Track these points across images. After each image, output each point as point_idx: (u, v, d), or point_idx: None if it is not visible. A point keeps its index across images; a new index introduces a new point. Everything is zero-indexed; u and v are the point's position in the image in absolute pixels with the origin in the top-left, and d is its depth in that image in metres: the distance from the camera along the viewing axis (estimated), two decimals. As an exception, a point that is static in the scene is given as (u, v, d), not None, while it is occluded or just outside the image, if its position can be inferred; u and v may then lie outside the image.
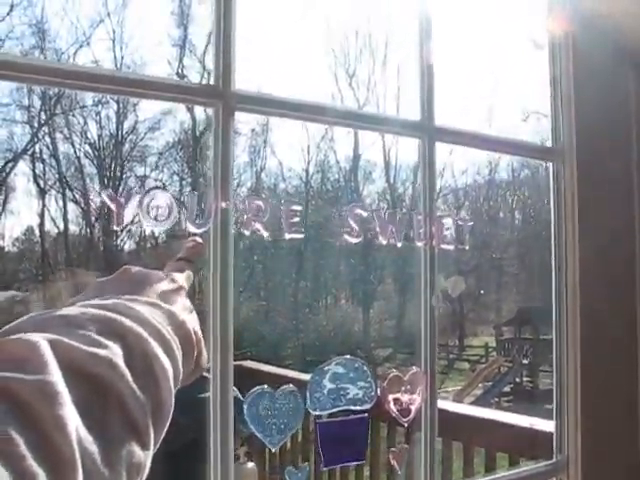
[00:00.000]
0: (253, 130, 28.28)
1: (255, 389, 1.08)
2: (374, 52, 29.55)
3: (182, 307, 0.76)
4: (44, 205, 24.64)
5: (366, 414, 1.19)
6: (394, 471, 1.28)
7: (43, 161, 24.55)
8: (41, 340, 0.52)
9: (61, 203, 24.74)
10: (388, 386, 1.23)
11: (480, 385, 19.69)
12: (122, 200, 0.92)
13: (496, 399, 19.01)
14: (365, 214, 1.16)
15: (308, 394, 1.13)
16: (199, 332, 0.75)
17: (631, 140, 1.61)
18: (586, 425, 1.52)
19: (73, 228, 25.46)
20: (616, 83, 1.61)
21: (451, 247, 1.30)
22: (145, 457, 0.55)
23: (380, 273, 28.06)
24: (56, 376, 0.49)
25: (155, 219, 0.96)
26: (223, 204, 1.03)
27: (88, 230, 25.42)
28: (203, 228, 1.00)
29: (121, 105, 25.55)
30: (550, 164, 1.56)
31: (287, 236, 1.07)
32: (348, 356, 1.18)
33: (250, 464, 3.93)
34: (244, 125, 27.60)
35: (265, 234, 1.05)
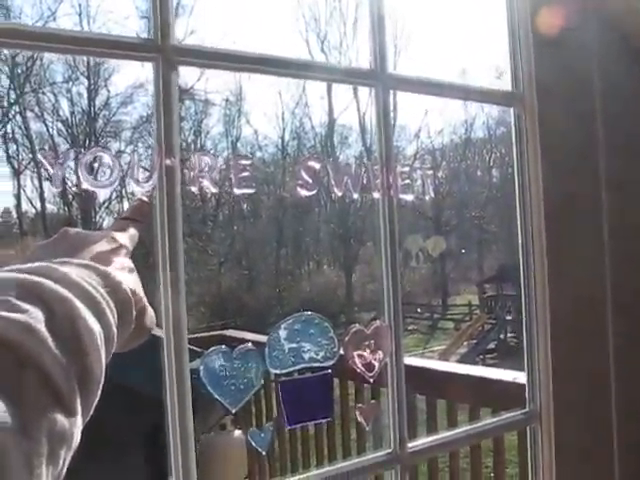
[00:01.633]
0: (227, 100, 28.14)
1: (211, 349, 1.06)
2: (344, 15, 29.41)
3: (120, 267, 0.73)
4: (20, 186, 24.46)
5: (329, 371, 1.17)
6: (362, 427, 1.26)
7: (16, 141, 24.33)
8: None
9: (37, 183, 24.57)
10: (350, 341, 1.21)
11: (465, 343, 19.87)
12: (58, 159, 0.88)
13: (481, 356, 19.19)
14: (318, 166, 1.13)
15: (267, 352, 1.10)
16: (139, 292, 0.73)
17: (592, 81, 1.59)
18: (558, 374, 1.51)
19: (50, 207, 25.32)
20: (577, 29, 1.57)
21: (410, 197, 1.27)
22: (70, 424, 0.53)
23: (360, 236, 28.15)
24: None
25: (96, 179, 0.92)
26: (168, 161, 0.99)
27: (66, 208, 25.28)
28: (147, 186, 0.97)
29: (92, 81, 25.34)
30: (511, 109, 1.53)
31: (236, 191, 1.03)
32: (308, 312, 1.15)
33: (237, 432, 3.95)
34: (217, 95, 27.46)
35: (213, 190, 1.02)
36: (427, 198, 1.30)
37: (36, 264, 0.63)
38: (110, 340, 0.62)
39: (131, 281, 0.72)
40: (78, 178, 0.90)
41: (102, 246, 0.75)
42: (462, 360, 17.57)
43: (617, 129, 1.60)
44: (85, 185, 0.90)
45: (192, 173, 1.01)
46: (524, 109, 1.51)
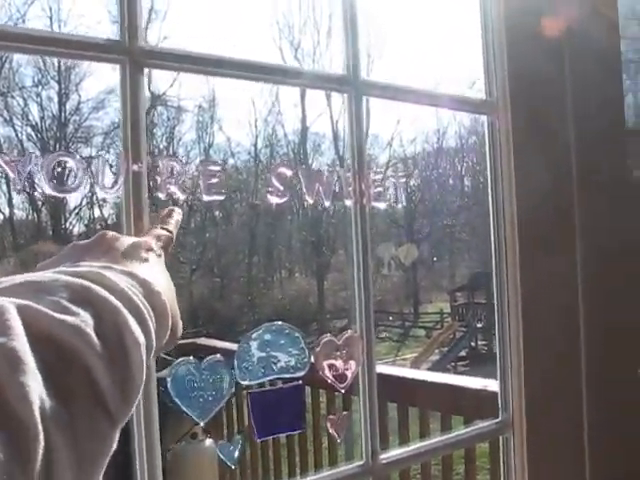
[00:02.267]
0: (200, 107, 28.08)
1: (178, 361, 1.03)
2: (318, 24, 29.52)
3: (159, 278, 0.73)
4: (-13, 192, 24.12)
5: (300, 382, 1.14)
6: (335, 437, 1.24)
7: (-18, 146, 24.02)
8: (7, 304, 0.50)
9: (5, 188, 24.24)
10: (321, 351, 1.19)
11: (436, 351, 19.95)
12: (19, 164, 0.85)
13: (452, 364, 19.27)
14: (290, 173, 1.10)
15: (236, 363, 1.08)
16: (175, 304, 0.74)
17: (565, 91, 1.59)
18: (530, 383, 1.51)
19: (20, 214, 25.00)
20: (548, 37, 1.57)
21: (383, 205, 1.25)
22: (111, 430, 0.54)
23: (333, 244, 28.19)
24: (21, 341, 0.47)
25: (60, 184, 0.89)
26: (135, 167, 0.97)
27: (35, 215, 25.01)
28: (112, 192, 0.94)
29: (62, 85, 25.11)
30: (484, 117, 1.52)
31: (205, 198, 1.01)
32: (279, 322, 1.12)
33: (208, 441, 3.91)
34: (190, 102, 27.39)
35: (182, 197, 0.99)
36: (399, 206, 1.28)
37: (84, 268, 0.63)
38: (150, 350, 0.62)
39: (168, 291, 0.72)
40: (38, 183, 0.87)
41: (143, 254, 0.76)
42: (434, 367, 17.65)
43: (589, 134, 1.60)
44: (47, 190, 0.87)
45: (159, 179, 0.98)
46: (497, 116, 1.50)
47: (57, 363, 0.49)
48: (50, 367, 0.48)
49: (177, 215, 0.92)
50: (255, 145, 29.18)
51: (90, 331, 0.53)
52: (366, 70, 1.27)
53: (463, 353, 20.53)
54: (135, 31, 1.00)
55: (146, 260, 0.75)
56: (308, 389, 3.50)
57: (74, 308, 0.54)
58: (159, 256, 0.79)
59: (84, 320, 0.53)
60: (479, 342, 21.00)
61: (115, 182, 0.95)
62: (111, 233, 0.79)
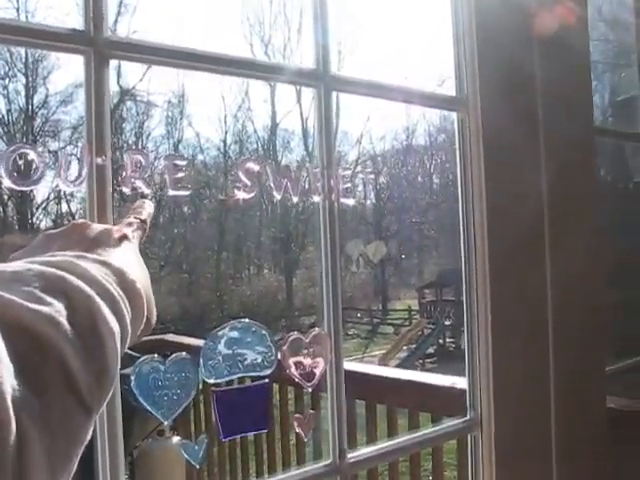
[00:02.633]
0: (169, 102, 27.90)
1: (142, 359, 1.01)
2: (289, 20, 29.47)
3: (133, 266, 0.72)
4: (-48, 186, 23.78)
5: (267, 380, 1.13)
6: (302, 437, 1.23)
7: (-52, 140, 23.69)
8: None
9: (-31, 183, 23.91)
10: (289, 349, 1.17)
11: (404, 348, 20.01)
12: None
13: (420, 361, 19.36)
14: (257, 168, 1.09)
15: (202, 362, 1.06)
16: (150, 291, 0.74)
17: (535, 89, 1.59)
18: (498, 382, 1.50)
19: (-15, 209, 24.70)
20: (518, 34, 1.57)
21: (352, 201, 1.24)
22: (86, 419, 0.54)
23: (302, 240, 28.19)
24: None
25: (21, 177, 0.87)
26: (99, 160, 0.94)
27: (1, 209, 24.72)
28: (77, 186, 0.92)
29: (30, 78, 24.80)
30: (454, 114, 1.52)
31: (171, 193, 0.99)
32: (245, 320, 1.11)
33: (175, 438, 3.89)
34: (159, 97, 27.19)
35: (147, 191, 0.97)
36: (368, 203, 1.27)
37: (57, 257, 0.63)
38: (125, 339, 0.62)
39: (142, 279, 0.71)
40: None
41: (116, 243, 0.75)
42: (402, 364, 17.72)
43: (558, 131, 1.60)
44: (7, 183, 0.85)
45: (124, 173, 0.96)
46: (467, 113, 1.49)
47: (30, 353, 0.49)
48: (23, 357, 0.48)
49: (149, 207, 0.92)
50: (224, 141, 29.09)
51: (64, 321, 0.53)
52: (337, 66, 1.25)
53: (431, 350, 20.64)
54: (100, 21, 0.97)
55: (118, 247, 0.74)
56: (276, 386, 3.49)
57: (48, 298, 0.54)
58: (132, 243, 0.79)
59: (58, 310, 0.53)
60: (447, 339, 21.13)
61: (79, 175, 0.92)
62: (82, 221, 0.80)
